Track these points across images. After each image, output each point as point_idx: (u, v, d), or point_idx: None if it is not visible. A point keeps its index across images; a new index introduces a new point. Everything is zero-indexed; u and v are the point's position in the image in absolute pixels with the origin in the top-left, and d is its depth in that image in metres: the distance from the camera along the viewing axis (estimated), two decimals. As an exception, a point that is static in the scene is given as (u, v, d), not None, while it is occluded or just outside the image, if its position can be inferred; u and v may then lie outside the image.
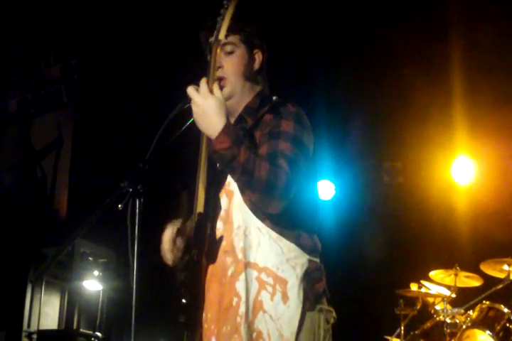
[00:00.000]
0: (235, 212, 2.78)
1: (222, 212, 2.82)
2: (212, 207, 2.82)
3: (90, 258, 7.71)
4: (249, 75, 2.98)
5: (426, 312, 6.72)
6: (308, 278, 2.74)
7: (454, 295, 6.59)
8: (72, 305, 7.63)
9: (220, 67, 2.88)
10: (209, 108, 2.57)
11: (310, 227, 2.85)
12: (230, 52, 2.95)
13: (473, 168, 8.08)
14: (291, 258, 2.72)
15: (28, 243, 8.02)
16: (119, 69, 8.77)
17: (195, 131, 2.87)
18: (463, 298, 6.63)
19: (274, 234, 2.72)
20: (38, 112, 9.73)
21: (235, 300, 2.68)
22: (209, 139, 2.66)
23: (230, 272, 2.72)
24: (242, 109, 2.97)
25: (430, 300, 6.75)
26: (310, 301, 2.73)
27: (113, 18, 8.71)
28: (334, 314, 2.83)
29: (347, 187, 8.73)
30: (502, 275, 6.49)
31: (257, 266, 2.71)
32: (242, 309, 2.66)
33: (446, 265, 6.69)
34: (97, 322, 7.72)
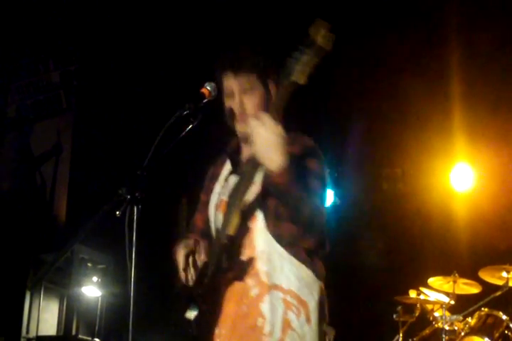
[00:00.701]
0: (258, 236, 2.97)
1: (246, 236, 2.98)
2: (240, 230, 2.95)
3: (89, 264, 7.71)
4: (267, 109, 3.02)
5: (425, 319, 6.71)
6: (320, 304, 3.00)
7: (452, 302, 6.58)
8: (70, 311, 7.62)
9: (243, 108, 3.03)
10: (274, 142, 2.66)
11: (322, 255, 3.09)
12: (249, 91, 3.05)
13: (471, 174, 8.09)
14: (309, 284, 2.99)
15: (27, 249, 8.02)
16: (119, 75, 8.78)
17: (193, 138, 2.89)
18: (461, 304, 6.63)
19: (294, 261, 2.97)
20: (38, 118, 9.73)
21: (260, 320, 2.90)
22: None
23: (252, 293, 2.93)
24: None
25: (429, 306, 6.75)
26: (320, 326, 2.98)
27: (112, 24, 8.72)
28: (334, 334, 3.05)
29: (346, 193, 8.74)
30: (501, 282, 6.48)
31: (282, 288, 2.94)
32: (267, 328, 2.89)
33: (444, 272, 6.68)
34: (96, 328, 7.71)
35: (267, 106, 3.03)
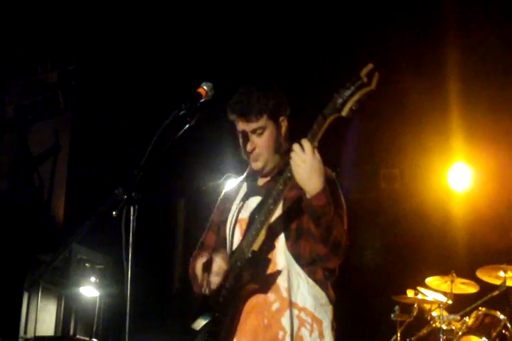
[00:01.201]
0: (279, 254, 3.15)
1: (269, 253, 3.15)
2: (265, 247, 3.15)
3: (87, 265, 7.71)
4: (279, 147, 3.28)
5: (422, 318, 6.71)
6: (332, 324, 3.16)
7: (450, 302, 6.58)
8: (68, 312, 7.63)
9: (254, 148, 3.22)
10: (315, 166, 2.88)
11: (333, 281, 3.25)
12: (261, 134, 3.23)
13: (469, 174, 8.09)
14: (323, 304, 3.14)
15: (25, 249, 8.02)
16: (116, 75, 8.78)
17: (190, 138, 2.89)
18: (459, 304, 6.63)
19: (310, 281, 3.13)
20: (35, 118, 9.73)
21: (281, 333, 3.05)
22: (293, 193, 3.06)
23: (274, 307, 3.10)
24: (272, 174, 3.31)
25: (426, 306, 6.75)
26: None
27: (110, 24, 8.72)
28: None
29: (344, 193, 8.72)
30: (498, 282, 6.48)
31: (297, 305, 3.09)
32: None
33: (442, 271, 6.68)
34: (94, 328, 7.71)
35: (277, 141, 3.26)
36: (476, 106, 7.68)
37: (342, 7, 7.91)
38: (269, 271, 3.12)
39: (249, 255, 3.08)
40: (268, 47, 7.99)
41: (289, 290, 3.08)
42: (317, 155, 2.88)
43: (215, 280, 3.15)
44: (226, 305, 3.14)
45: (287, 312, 3.05)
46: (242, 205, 3.32)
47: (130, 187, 2.61)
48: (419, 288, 6.74)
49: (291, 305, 3.06)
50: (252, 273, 3.08)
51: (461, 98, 7.71)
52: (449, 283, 6.63)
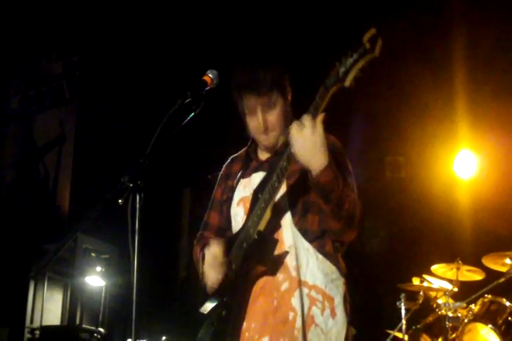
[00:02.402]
0: (286, 232, 3.04)
1: (275, 232, 3.05)
2: (271, 226, 3.05)
3: (93, 254, 7.73)
4: (289, 120, 3.11)
5: (428, 306, 6.71)
6: (345, 300, 3.05)
7: (455, 289, 6.58)
8: (74, 301, 7.65)
9: (266, 123, 3.11)
10: (317, 143, 2.76)
11: (343, 253, 3.16)
12: (273, 107, 3.11)
13: (475, 162, 8.07)
14: (334, 279, 3.03)
15: (31, 239, 8.05)
16: (121, 66, 8.78)
17: (195, 126, 2.89)
18: (465, 291, 6.63)
19: (320, 256, 3.02)
20: (40, 109, 9.76)
21: (291, 314, 2.95)
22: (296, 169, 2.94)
23: (283, 288, 3.00)
24: (279, 145, 3.19)
25: (432, 294, 6.75)
26: (348, 320, 3.03)
27: (114, 14, 8.72)
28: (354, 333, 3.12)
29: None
30: (504, 269, 6.48)
31: (307, 283, 2.98)
32: (298, 323, 2.93)
33: (448, 259, 6.68)
34: (100, 317, 7.74)
35: (287, 117, 3.14)
36: (482, 94, 7.66)
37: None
38: (277, 250, 3.02)
39: (256, 236, 2.98)
40: (269, 23, 7.94)
41: (298, 268, 2.98)
42: (319, 129, 2.76)
43: (209, 273, 3.09)
44: (234, 288, 3.05)
45: (297, 292, 2.96)
46: (245, 182, 3.24)
47: (136, 175, 2.59)
48: (424, 276, 6.75)
49: (300, 284, 2.96)
50: (259, 255, 2.99)
51: (467, 85, 7.69)
52: (454, 270, 6.63)
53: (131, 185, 2.57)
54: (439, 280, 6.76)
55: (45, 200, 9.09)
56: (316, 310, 2.96)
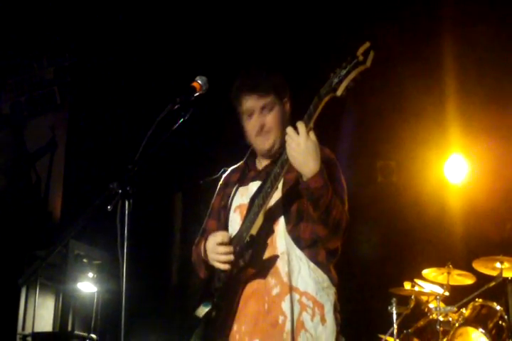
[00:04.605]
0: (279, 238, 3.13)
1: (269, 237, 3.14)
2: (264, 232, 3.14)
3: (84, 260, 7.71)
4: (285, 124, 3.18)
5: (419, 310, 6.72)
6: (335, 308, 3.13)
7: (447, 294, 6.61)
8: (66, 307, 7.62)
9: (263, 125, 3.23)
10: (310, 149, 2.87)
11: (334, 263, 3.24)
12: (270, 110, 3.24)
13: (466, 166, 8.09)
14: (325, 287, 3.11)
15: (22, 245, 8.02)
16: (112, 71, 8.78)
17: (185, 132, 2.90)
18: (456, 296, 6.65)
19: (312, 265, 3.11)
20: (32, 115, 9.73)
21: (281, 318, 3.02)
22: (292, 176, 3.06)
23: (274, 292, 3.07)
24: (274, 150, 3.29)
25: (423, 298, 6.76)
26: (337, 328, 3.10)
27: (106, 20, 8.72)
28: None
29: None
30: (494, 273, 6.50)
31: (298, 290, 3.06)
32: (287, 327, 3.00)
33: (439, 263, 6.70)
34: (92, 324, 7.71)
35: (284, 123, 3.23)
36: (473, 98, 7.68)
37: (340, 2, 7.92)
38: (269, 255, 3.10)
39: (248, 239, 3.08)
40: (265, 34, 7.96)
41: (290, 274, 3.05)
42: (312, 136, 2.88)
43: (215, 257, 3.15)
44: (225, 291, 3.14)
45: (287, 297, 3.02)
46: (242, 190, 3.33)
47: (125, 181, 2.61)
48: (416, 280, 6.77)
49: (291, 289, 3.04)
50: (249, 257, 3.07)
51: (458, 90, 7.71)
52: (445, 274, 6.66)
53: (120, 191, 2.58)
54: (430, 284, 6.78)
55: (37, 206, 9.07)
56: (306, 316, 3.03)
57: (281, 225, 3.13)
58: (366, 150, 8.66)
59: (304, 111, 2.94)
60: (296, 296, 3.04)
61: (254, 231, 3.09)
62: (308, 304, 3.04)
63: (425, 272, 6.76)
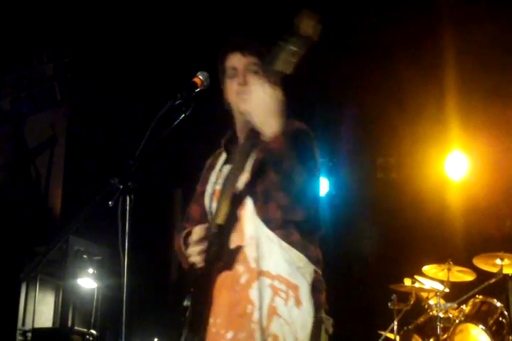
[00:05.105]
0: (247, 222, 2.92)
1: (235, 224, 2.93)
2: (229, 218, 2.91)
3: (85, 256, 7.70)
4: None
5: (419, 307, 6.73)
6: (314, 288, 2.90)
7: (447, 290, 6.61)
8: (66, 303, 7.63)
9: (246, 81, 3.02)
10: (272, 105, 2.65)
11: (315, 239, 3.02)
12: (254, 72, 3.04)
13: (466, 163, 8.10)
14: (300, 267, 2.89)
15: (22, 241, 8.02)
16: (113, 67, 8.77)
17: (187, 128, 2.89)
18: (456, 292, 6.65)
19: (284, 244, 2.88)
20: (32, 111, 9.72)
21: (249, 307, 2.83)
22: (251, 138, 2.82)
23: (242, 280, 2.87)
24: None
25: (423, 294, 6.77)
26: (316, 309, 2.88)
27: (106, 15, 8.71)
28: (332, 324, 2.96)
29: (340, 183, 8.75)
30: (495, 270, 6.51)
31: (270, 274, 2.86)
32: (255, 315, 2.81)
33: (439, 260, 6.70)
34: (92, 319, 7.70)
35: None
36: (472, 94, 7.68)
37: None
38: (237, 242, 2.90)
39: (215, 230, 2.89)
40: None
41: (258, 259, 2.86)
42: (277, 93, 2.65)
43: (195, 249, 2.98)
44: (200, 283, 2.94)
45: (255, 284, 2.84)
46: (218, 175, 3.17)
47: (126, 176, 2.59)
48: (416, 277, 6.77)
49: (260, 275, 2.84)
50: (218, 248, 2.89)
51: (458, 86, 7.71)
52: (445, 271, 6.66)
53: (121, 186, 2.57)
54: (431, 280, 6.78)
55: (37, 202, 9.06)
56: (279, 300, 2.83)
57: (248, 209, 2.92)
58: (366, 147, 8.67)
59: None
60: (268, 281, 2.85)
61: (220, 220, 2.88)
62: (281, 287, 2.84)
63: (425, 268, 6.76)
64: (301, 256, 2.91)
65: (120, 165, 2.67)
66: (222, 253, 2.89)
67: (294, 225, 2.93)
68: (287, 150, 2.69)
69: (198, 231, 3.01)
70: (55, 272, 7.62)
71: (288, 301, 2.83)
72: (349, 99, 8.42)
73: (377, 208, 8.31)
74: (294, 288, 2.85)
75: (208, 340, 2.87)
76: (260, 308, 2.81)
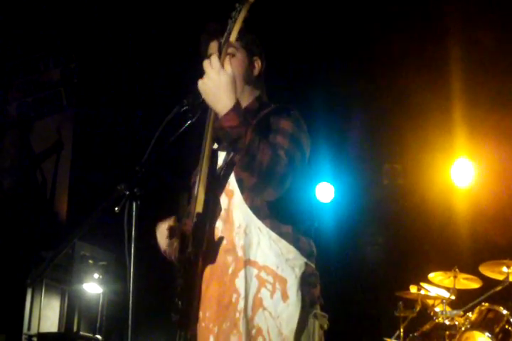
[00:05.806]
0: (236, 211, 2.82)
1: (222, 212, 2.84)
2: (212, 206, 2.83)
3: (90, 261, 7.71)
4: (249, 79, 3.06)
5: (425, 314, 6.72)
6: (305, 282, 2.79)
7: (453, 297, 6.60)
8: (72, 308, 7.63)
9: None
10: (222, 83, 2.63)
11: (307, 232, 2.90)
12: (232, 55, 3.00)
13: (472, 169, 8.08)
14: (289, 259, 2.77)
15: (28, 246, 8.02)
16: (119, 72, 8.78)
17: (193, 133, 2.89)
18: (462, 299, 6.64)
19: (273, 235, 2.77)
20: (38, 116, 9.74)
21: (234, 296, 2.72)
22: (215, 119, 2.70)
23: (230, 270, 2.76)
24: None
25: (429, 302, 6.76)
26: (306, 304, 2.77)
27: (112, 21, 8.72)
28: (327, 320, 2.87)
29: (346, 189, 8.74)
30: (501, 277, 6.49)
31: (257, 264, 2.75)
32: (240, 305, 2.70)
33: (445, 267, 6.70)
34: (97, 324, 7.71)
35: (249, 71, 3.06)
36: (479, 102, 7.67)
37: (344, 3, 7.91)
38: (225, 230, 2.80)
39: (195, 219, 2.75)
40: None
41: (245, 248, 2.75)
42: (228, 70, 2.64)
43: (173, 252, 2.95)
44: (190, 277, 2.75)
45: (241, 273, 2.72)
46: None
47: (132, 183, 2.59)
48: (422, 284, 6.76)
49: (246, 264, 2.73)
50: (199, 239, 2.73)
51: (464, 93, 7.70)
52: (451, 278, 6.64)
53: (128, 192, 2.57)
54: (437, 288, 6.77)
55: (43, 207, 9.07)
56: (265, 292, 2.72)
57: (237, 196, 2.82)
58: (373, 154, 8.66)
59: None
60: (254, 271, 2.74)
61: (199, 208, 2.77)
62: (267, 279, 2.73)
63: (431, 276, 6.75)
64: (291, 248, 2.79)
65: (126, 171, 2.67)
66: (206, 245, 2.75)
67: (254, 196, 2.80)
68: (241, 127, 2.62)
69: (163, 227, 3.08)
70: (60, 277, 7.62)
71: (274, 294, 2.72)
72: (355, 105, 8.42)
73: (383, 215, 8.30)
74: (282, 281, 2.74)
75: (198, 335, 2.76)
76: (246, 298, 2.71)
